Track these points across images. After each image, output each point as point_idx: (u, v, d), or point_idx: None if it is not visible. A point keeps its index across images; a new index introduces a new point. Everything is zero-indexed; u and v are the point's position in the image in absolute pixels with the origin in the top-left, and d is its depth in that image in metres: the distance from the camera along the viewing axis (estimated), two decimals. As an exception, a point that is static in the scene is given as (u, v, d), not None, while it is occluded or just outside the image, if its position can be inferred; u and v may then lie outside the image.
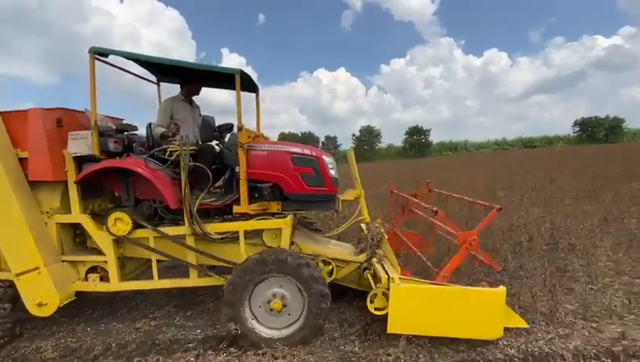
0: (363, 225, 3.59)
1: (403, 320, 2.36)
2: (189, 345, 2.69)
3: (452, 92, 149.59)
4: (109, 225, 2.82)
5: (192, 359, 2.47)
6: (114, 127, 3.14)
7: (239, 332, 2.56)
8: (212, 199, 2.97)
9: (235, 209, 2.87)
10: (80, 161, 2.86)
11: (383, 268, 2.76)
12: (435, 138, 54.92)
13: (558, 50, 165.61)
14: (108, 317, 3.31)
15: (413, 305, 2.36)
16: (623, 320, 2.51)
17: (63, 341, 2.91)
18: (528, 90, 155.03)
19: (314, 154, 2.95)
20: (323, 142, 54.40)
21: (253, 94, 3.77)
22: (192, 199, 2.77)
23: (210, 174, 2.89)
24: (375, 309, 2.55)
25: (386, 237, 3.25)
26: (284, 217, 2.88)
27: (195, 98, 3.54)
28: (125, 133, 3.27)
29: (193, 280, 2.96)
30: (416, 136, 52.91)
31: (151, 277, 2.96)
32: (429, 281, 2.58)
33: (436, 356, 2.28)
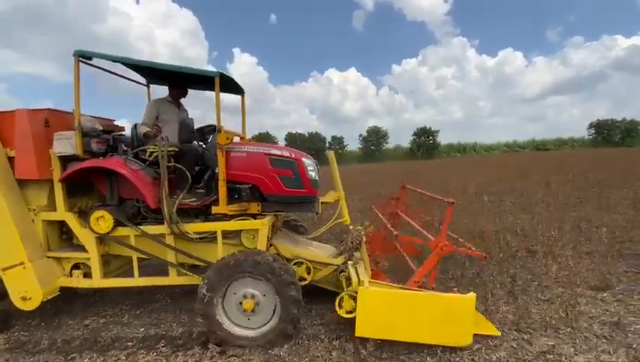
0: (351, 227, 3.66)
1: (371, 324, 2.37)
2: (129, 343, 2.78)
3: (464, 92, 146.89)
4: (91, 223, 2.95)
5: (123, 357, 2.57)
6: (100, 127, 3.25)
7: (205, 299, 2.61)
8: (193, 199, 3.05)
9: (214, 209, 2.95)
10: (65, 160, 2.99)
11: (356, 271, 2.79)
12: (447, 139, 54.81)
13: (577, 50, 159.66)
14: (63, 313, 3.42)
15: (381, 309, 2.36)
16: (558, 332, 2.49)
17: (16, 334, 3.08)
18: (545, 90, 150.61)
19: (293, 156, 3.03)
20: (330, 142, 54.61)
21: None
22: (172, 199, 2.88)
23: (189, 175, 2.98)
24: (344, 312, 2.58)
25: (365, 239, 3.33)
26: (263, 218, 2.97)
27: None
28: (113, 133, 3.41)
29: (172, 279, 3.06)
30: (424, 137, 52.51)
31: (133, 275, 3.07)
32: (400, 286, 2.59)
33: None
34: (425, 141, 52.42)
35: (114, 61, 3.10)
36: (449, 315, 2.29)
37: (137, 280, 3.09)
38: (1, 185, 2.88)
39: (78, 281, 3.13)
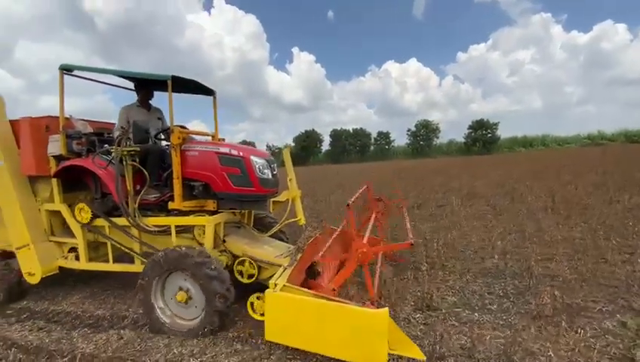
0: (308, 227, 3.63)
1: (279, 329, 2.28)
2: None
3: (546, 77, 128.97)
4: (75, 213, 3.40)
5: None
6: (90, 130, 3.64)
7: (144, 289, 2.85)
8: (156, 195, 3.28)
9: (170, 205, 3.14)
10: (60, 159, 3.43)
11: (280, 274, 2.67)
12: (526, 131, 49.63)
13: None
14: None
15: (289, 315, 2.25)
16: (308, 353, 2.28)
17: (25, 302, 3.79)
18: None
19: (241, 154, 3.07)
20: (375, 137, 53.53)
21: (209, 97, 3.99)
22: (134, 195, 3.15)
23: (147, 173, 3.20)
24: (255, 313, 2.58)
25: (310, 241, 3.23)
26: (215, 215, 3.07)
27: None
28: (106, 135, 3.79)
29: (137, 267, 3.34)
30: (482, 131, 48.27)
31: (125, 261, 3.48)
32: (313, 292, 2.40)
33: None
34: (482, 135, 48.20)
35: (90, 71, 3.48)
36: (359, 330, 2.05)
37: (111, 266, 3.48)
38: (13, 180, 3.47)
39: (70, 263, 3.61)
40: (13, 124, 3.57)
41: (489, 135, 48.09)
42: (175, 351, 2.48)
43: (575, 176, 10.86)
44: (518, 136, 51.17)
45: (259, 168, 3.12)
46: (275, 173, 3.35)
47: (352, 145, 51.99)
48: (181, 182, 3.09)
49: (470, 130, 49.00)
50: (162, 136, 3.62)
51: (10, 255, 3.75)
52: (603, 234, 4.53)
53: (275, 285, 2.37)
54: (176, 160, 3.05)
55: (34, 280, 3.52)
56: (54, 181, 3.50)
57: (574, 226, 5.13)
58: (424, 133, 51.35)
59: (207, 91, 3.90)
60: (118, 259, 3.54)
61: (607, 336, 2.26)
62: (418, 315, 2.84)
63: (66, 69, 3.36)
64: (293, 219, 3.37)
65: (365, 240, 2.54)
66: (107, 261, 3.53)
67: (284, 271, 2.68)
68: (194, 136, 3.56)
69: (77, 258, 3.60)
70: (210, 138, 3.98)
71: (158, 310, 2.82)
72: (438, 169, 19.66)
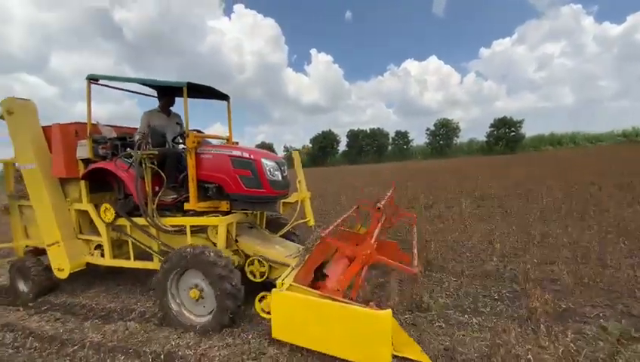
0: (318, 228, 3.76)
1: (285, 328, 2.35)
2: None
3: (577, 71, 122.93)
4: (100, 213, 3.68)
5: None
6: (114, 135, 3.94)
7: (159, 286, 3.05)
8: (173, 196, 3.48)
9: (185, 206, 3.32)
10: (87, 162, 3.72)
11: (288, 274, 2.76)
12: (557, 129, 47.82)
13: None
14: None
15: (294, 314, 2.32)
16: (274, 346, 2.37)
17: (48, 297, 4.09)
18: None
19: (252, 157, 3.21)
20: (393, 137, 52.84)
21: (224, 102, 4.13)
22: (152, 196, 3.35)
23: (165, 175, 3.38)
24: (262, 311, 2.69)
25: (318, 242, 3.40)
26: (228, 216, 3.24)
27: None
28: (129, 139, 4.01)
29: (155, 264, 3.56)
30: (505, 129, 46.52)
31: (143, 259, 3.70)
32: (318, 292, 2.46)
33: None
34: (505, 133, 46.47)
35: (115, 80, 3.73)
36: (362, 331, 2.09)
37: (132, 263, 3.72)
38: (45, 181, 3.80)
39: (96, 259, 3.91)
40: (46, 130, 3.91)
41: (512, 133, 46.27)
42: (173, 342, 2.70)
43: (600, 176, 10.42)
44: (545, 134, 49.13)
45: (269, 170, 3.25)
46: (285, 175, 3.47)
47: (369, 146, 51.61)
48: (196, 184, 3.27)
49: (492, 129, 47.33)
50: (179, 140, 3.83)
51: (40, 251, 4.11)
52: (614, 237, 4.38)
53: (282, 284, 2.44)
54: (191, 163, 3.24)
55: (63, 275, 3.83)
56: (82, 183, 3.80)
57: (586, 229, 4.98)
58: (444, 133, 50.16)
59: (222, 96, 4.07)
60: (138, 257, 3.77)
61: (598, 342, 2.25)
62: (407, 316, 2.86)
63: (93, 79, 3.62)
64: (302, 220, 3.49)
65: (373, 242, 2.60)
66: (129, 258, 3.76)
67: (291, 270, 2.76)
68: (209, 139, 3.81)
69: (102, 255, 3.86)
70: (224, 141, 4.22)
71: (169, 295, 3.02)
72: (456, 169, 19.47)
